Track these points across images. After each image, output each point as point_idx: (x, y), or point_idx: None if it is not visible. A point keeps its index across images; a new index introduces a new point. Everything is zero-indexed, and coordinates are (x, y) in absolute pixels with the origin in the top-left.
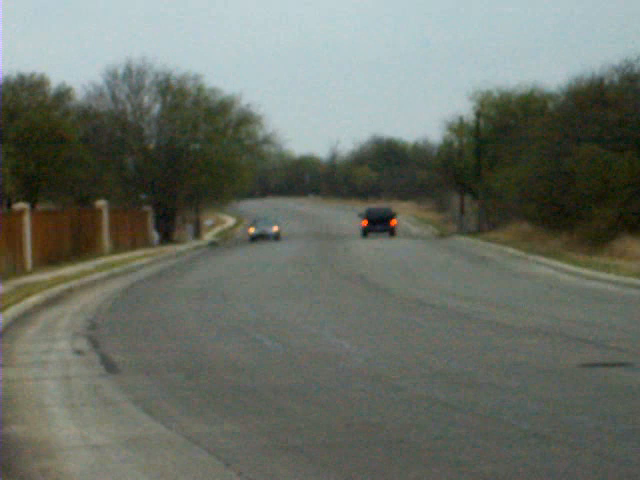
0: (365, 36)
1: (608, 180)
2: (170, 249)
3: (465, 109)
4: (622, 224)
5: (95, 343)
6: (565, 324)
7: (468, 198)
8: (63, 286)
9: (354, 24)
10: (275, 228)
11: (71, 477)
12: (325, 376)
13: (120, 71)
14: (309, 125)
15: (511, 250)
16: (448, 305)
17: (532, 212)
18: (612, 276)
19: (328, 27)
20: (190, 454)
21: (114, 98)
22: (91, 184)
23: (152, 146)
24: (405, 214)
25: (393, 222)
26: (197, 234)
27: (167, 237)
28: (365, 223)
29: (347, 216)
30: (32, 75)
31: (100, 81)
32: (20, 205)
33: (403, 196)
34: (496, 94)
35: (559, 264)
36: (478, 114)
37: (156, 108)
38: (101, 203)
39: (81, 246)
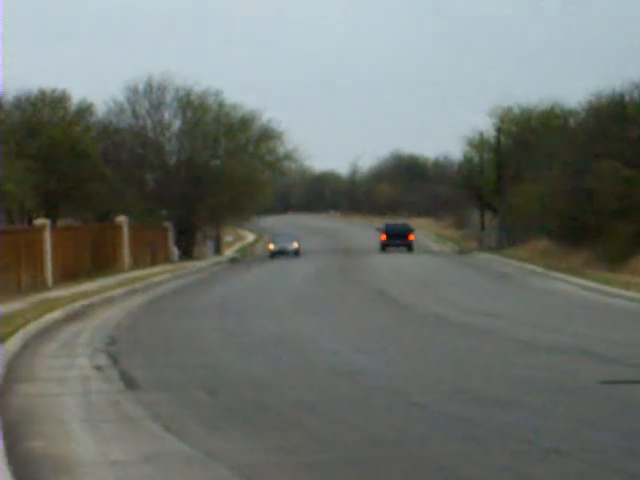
0: (386, 52)
1: (629, 196)
2: (190, 265)
3: (485, 125)
4: None
5: (115, 359)
6: (585, 341)
7: (488, 214)
8: (83, 302)
9: (375, 40)
10: (295, 244)
11: None
12: (345, 392)
13: (141, 87)
14: (329, 141)
15: (531, 266)
16: (468, 321)
17: (552, 228)
18: (632, 293)
19: (349, 42)
20: (210, 471)
21: (135, 114)
22: (111, 200)
23: (173, 162)
24: (424, 231)
25: (411, 237)
26: (217, 250)
27: (187, 253)
28: (384, 238)
29: (367, 232)
30: (53, 91)
31: (121, 97)
32: (41, 221)
33: (422, 212)
34: (516, 110)
35: (579, 281)
36: (498, 130)
37: (177, 124)
38: (121, 219)
39: (101, 262)
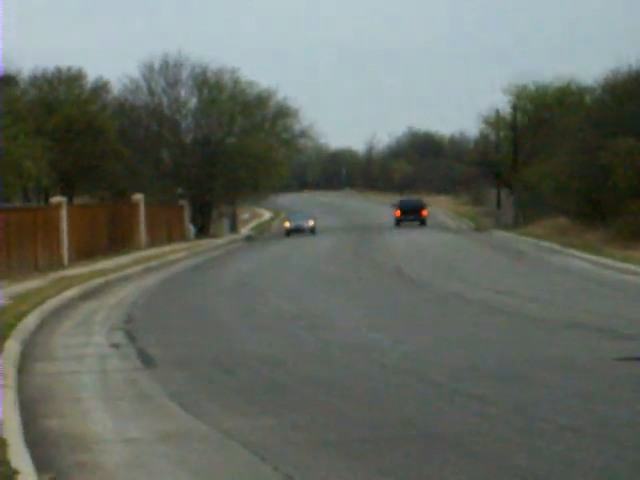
0: (402, 29)
1: None
2: (206, 243)
3: (501, 102)
4: None
5: (131, 337)
6: (601, 318)
7: (504, 192)
8: (100, 280)
9: (391, 17)
10: (311, 222)
11: (106, 471)
12: (361, 370)
13: (157, 64)
14: (345, 118)
15: (547, 244)
16: (484, 299)
17: (568, 206)
18: None
19: (364, 19)
20: (225, 449)
21: (150, 91)
22: (128, 178)
23: (189, 140)
24: (442, 208)
25: (424, 212)
26: (233, 228)
27: (203, 231)
28: (398, 213)
29: (383, 210)
30: (69, 69)
31: (137, 74)
32: (57, 199)
33: (439, 190)
34: (532, 87)
35: (595, 258)
36: (514, 107)
37: (192, 102)
38: (138, 197)
39: (117, 240)
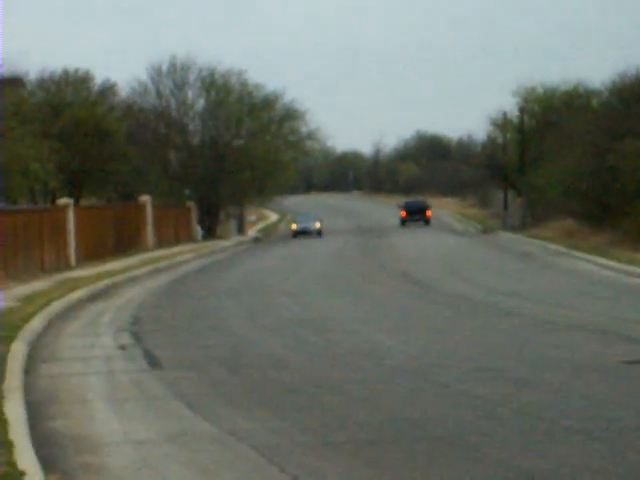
0: (409, 31)
1: None
2: (213, 244)
3: (509, 105)
4: None
5: (138, 338)
6: (607, 320)
7: (511, 194)
8: (107, 281)
9: (398, 19)
10: (317, 224)
11: (113, 472)
12: (367, 372)
13: (164, 67)
14: (352, 121)
15: (554, 246)
16: (490, 301)
17: (576, 208)
18: None
19: (372, 22)
20: (233, 450)
21: (158, 94)
22: (135, 179)
23: (196, 142)
24: (448, 210)
25: (428, 213)
26: (241, 230)
27: (210, 233)
28: (403, 214)
29: (389, 212)
30: (77, 71)
31: (144, 77)
32: (64, 200)
33: (446, 192)
34: (540, 90)
35: (602, 260)
36: (522, 110)
37: (200, 104)
38: (145, 198)
39: (124, 241)
